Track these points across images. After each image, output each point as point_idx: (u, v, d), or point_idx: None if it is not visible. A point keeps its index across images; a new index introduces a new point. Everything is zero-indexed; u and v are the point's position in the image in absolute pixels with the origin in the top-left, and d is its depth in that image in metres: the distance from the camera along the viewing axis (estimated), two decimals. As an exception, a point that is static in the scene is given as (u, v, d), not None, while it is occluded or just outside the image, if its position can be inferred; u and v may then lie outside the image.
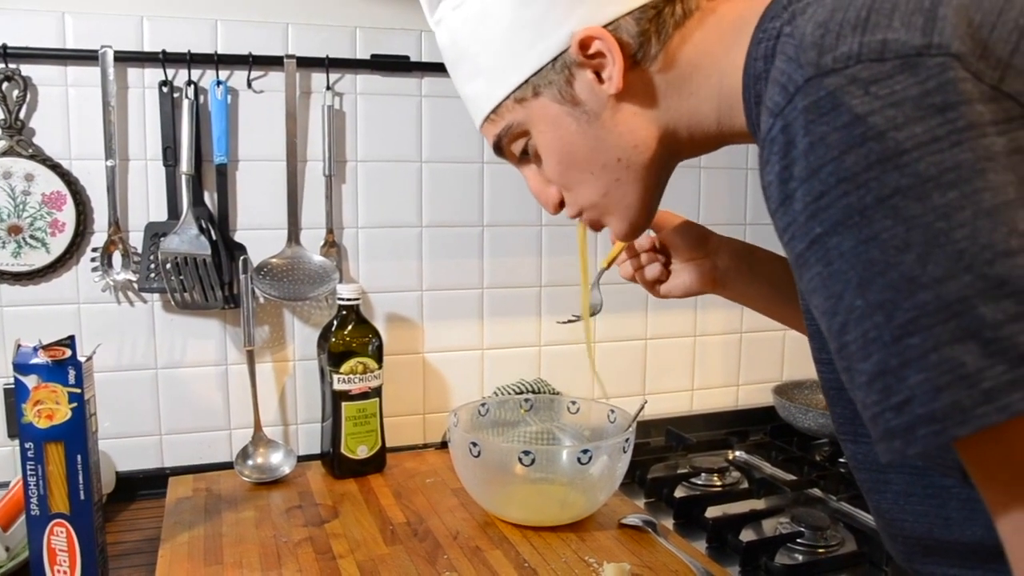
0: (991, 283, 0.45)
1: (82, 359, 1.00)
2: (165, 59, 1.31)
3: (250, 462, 1.37)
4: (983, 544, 0.64)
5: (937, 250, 0.46)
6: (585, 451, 1.15)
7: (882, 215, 0.48)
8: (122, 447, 1.36)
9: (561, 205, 0.82)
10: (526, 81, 0.73)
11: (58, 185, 1.29)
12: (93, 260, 1.32)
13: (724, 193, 1.71)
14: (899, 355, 0.48)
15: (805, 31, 0.54)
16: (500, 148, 0.80)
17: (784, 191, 0.54)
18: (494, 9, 0.72)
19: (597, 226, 0.82)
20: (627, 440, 1.20)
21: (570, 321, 1.16)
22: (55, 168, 1.29)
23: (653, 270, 1.00)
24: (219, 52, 1.34)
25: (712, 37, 0.69)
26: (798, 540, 1.17)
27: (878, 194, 0.48)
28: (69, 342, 0.99)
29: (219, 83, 1.34)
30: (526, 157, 0.80)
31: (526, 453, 1.15)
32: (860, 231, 0.49)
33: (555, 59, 0.71)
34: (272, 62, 1.36)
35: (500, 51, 0.73)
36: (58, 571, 1.01)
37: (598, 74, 0.71)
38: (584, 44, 0.69)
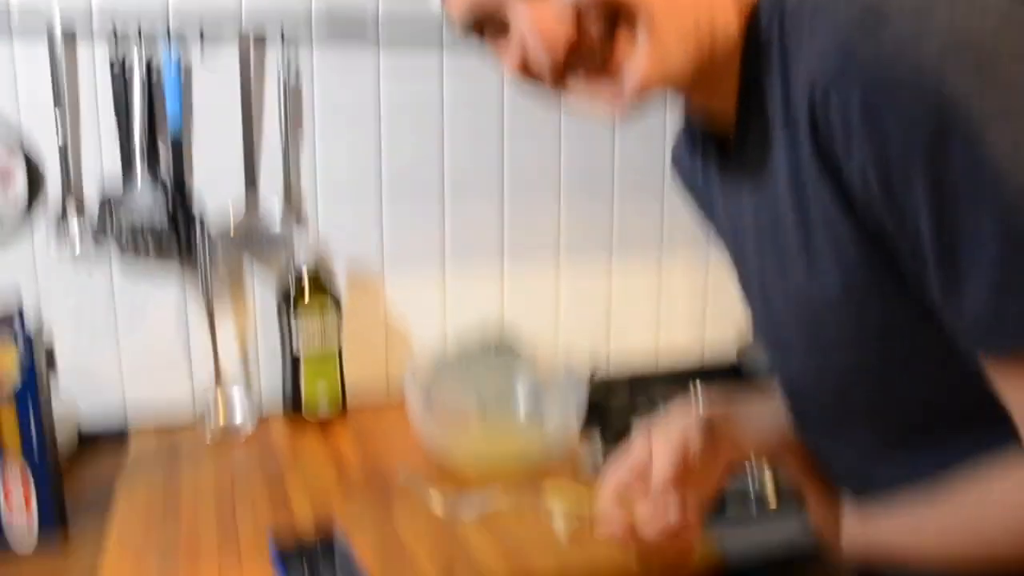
0: None
1: (30, 318, 1.00)
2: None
3: (211, 417, 1.38)
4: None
5: None
6: (541, 398, 1.17)
7: None
8: (84, 405, 1.37)
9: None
10: None
11: (9, 148, 1.28)
12: (48, 222, 1.33)
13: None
14: None
15: None
16: None
17: None
18: None
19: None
20: (583, 387, 1.21)
21: None
22: (4, 132, 1.29)
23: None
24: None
25: None
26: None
27: None
28: (16, 301, 0.99)
29: (169, 40, 1.33)
30: None
31: (481, 401, 1.17)
32: None
33: None
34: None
35: None
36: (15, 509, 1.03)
37: None
38: None
